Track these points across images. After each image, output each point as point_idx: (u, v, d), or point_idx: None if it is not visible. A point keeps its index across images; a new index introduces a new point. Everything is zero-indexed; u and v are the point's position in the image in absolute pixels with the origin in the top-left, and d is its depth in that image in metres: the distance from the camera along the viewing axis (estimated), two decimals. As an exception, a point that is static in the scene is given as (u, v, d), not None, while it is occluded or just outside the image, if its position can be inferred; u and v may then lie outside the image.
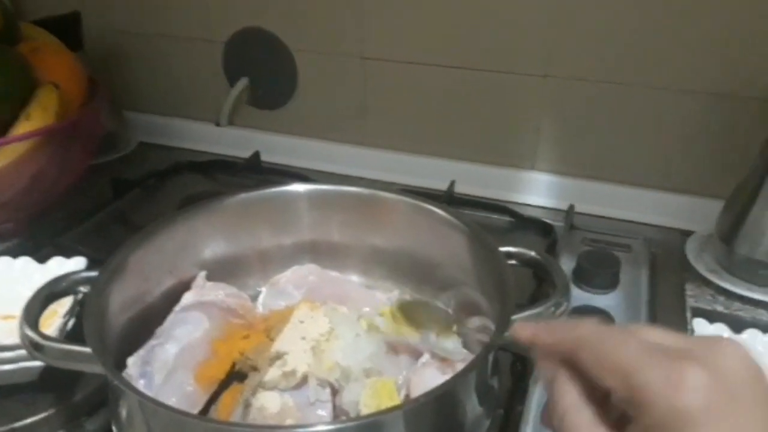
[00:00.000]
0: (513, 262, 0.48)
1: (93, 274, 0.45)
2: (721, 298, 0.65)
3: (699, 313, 0.62)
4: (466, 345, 0.47)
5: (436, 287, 0.55)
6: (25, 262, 0.57)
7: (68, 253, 0.61)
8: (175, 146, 0.94)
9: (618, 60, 0.71)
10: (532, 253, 0.48)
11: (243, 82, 0.90)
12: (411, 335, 0.47)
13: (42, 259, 0.59)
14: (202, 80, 0.91)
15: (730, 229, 0.65)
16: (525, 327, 0.34)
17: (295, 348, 0.43)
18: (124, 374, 0.46)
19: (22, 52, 0.67)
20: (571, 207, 0.75)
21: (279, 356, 0.44)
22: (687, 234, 0.72)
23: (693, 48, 0.68)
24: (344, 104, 0.86)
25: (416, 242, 0.54)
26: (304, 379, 0.43)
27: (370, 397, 0.42)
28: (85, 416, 0.51)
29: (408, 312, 0.48)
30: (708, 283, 0.66)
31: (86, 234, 0.74)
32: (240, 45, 0.88)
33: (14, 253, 0.61)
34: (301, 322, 0.45)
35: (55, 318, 0.51)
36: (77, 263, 0.56)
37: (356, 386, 0.43)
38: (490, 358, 0.42)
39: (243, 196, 0.55)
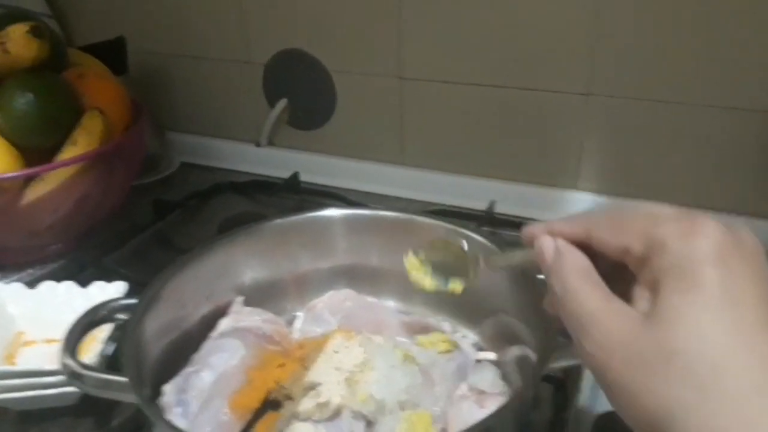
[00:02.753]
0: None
1: (131, 302, 0.46)
2: None
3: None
4: (504, 376, 0.46)
5: (475, 314, 0.53)
6: (68, 287, 0.58)
7: (110, 276, 0.62)
8: (217, 167, 0.95)
9: (662, 78, 0.69)
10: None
11: (282, 103, 0.90)
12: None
13: (86, 280, 0.60)
14: (243, 101, 0.92)
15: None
16: (535, 227, 0.34)
17: (329, 379, 0.43)
18: (160, 401, 0.46)
19: (68, 79, 0.69)
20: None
21: (313, 387, 0.43)
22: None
23: (740, 65, 0.65)
24: (382, 124, 0.85)
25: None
26: (338, 411, 0.42)
27: (406, 431, 0.41)
28: (123, 442, 0.51)
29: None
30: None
31: (128, 255, 0.75)
32: (279, 66, 0.88)
33: (59, 275, 0.63)
34: (336, 352, 0.45)
35: (94, 343, 0.51)
36: (118, 288, 0.57)
37: (391, 419, 0.42)
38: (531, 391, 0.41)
39: (278, 221, 0.55)
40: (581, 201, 0.77)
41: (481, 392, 0.43)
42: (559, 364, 0.40)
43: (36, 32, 0.63)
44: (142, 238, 0.79)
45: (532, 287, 0.45)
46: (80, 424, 0.52)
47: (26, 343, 0.56)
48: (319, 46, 0.84)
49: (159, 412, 0.39)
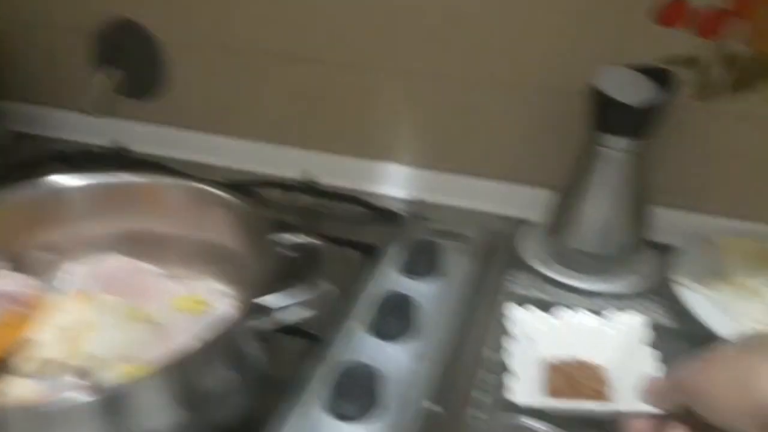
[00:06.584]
0: (290, 250, 0.49)
1: None
2: (544, 286, 0.67)
3: (517, 298, 0.64)
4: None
5: (236, 279, 0.55)
6: None
7: None
8: (48, 136, 0.94)
9: (462, 55, 0.72)
10: (308, 240, 0.49)
11: (113, 72, 0.89)
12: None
13: None
14: (73, 69, 0.91)
15: (556, 220, 0.67)
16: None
17: (51, 337, 0.44)
18: None
19: None
20: (417, 197, 0.76)
21: (37, 344, 0.44)
22: (526, 224, 0.74)
23: (528, 44, 0.69)
24: (211, 95, 0.86)
25: (215, 232, 0.54)
26: (59, 367, 0.43)
27: (123, 384, 0.43)
28: None
29: None
30: (533, 271, 0.68)
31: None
32: (110, 35, 0.87)
33: None
34: (63, 311, 0.46)
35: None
36: None
37: (111, 375, 0.44)
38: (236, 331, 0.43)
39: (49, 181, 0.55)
40: (393, 172, 0.81)
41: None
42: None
43: None
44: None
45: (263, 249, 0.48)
46: None
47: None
48: (150, 15, 0.84)
49: None
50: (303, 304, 0.45)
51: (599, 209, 0.62)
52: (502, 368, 0.52)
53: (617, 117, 0.58)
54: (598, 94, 0.58)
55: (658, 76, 0.58)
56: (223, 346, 0.42)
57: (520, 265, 0.69)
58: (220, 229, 0.53)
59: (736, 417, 0.39)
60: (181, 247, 0.57)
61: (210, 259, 0.55)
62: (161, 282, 0.55)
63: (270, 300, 0.44)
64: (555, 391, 0.52)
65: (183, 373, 0.40)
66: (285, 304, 0.44)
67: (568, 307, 0.60)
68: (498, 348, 0.57)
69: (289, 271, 0.59)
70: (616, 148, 0.60)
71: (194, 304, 0.51)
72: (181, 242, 0.57)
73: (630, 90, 0.56)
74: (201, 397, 0.42)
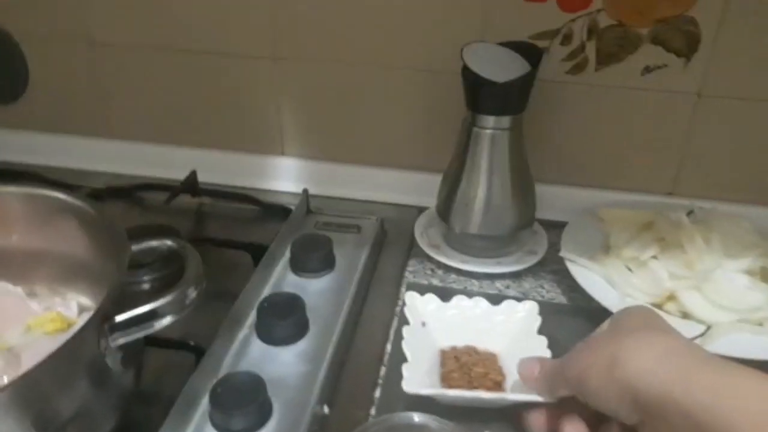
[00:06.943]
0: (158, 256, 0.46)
1: None
2: (439, 272, 0.66)
3: (414, 287, 0.62)
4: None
5: (100, 293, 0.51)
6: None
7: None
8: None
9: (346, 40, 0.70)
10: (169, 243, 0.45)
11: (-30, 75, 0.82)
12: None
13: None
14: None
15: (444, 205, 0.66)
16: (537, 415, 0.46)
17: None
18: None
19: None
20: (305, 191, 0.73)
21: None
22: (424, 211, 0.73)
23: (404, 24, 0.67)
24: (81, 94, 0.80)
25: (70, 244, 0.49)
26: None
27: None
28: None
29: None
30: (429, 258, 0.66)
31: None
32: (-39, 34, 0.79)
33: None
34: None
35: None
36: None
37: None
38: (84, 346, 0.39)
39: None
40: (283, 167, 0.78)
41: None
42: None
43: None
44: None
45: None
46: None
47: None
48: (3, 11, 0.77)
49: None
50: (165, 313, 0.41)
51: (482, 191, 0.62)
52: (400, 361, 0.50)
53: (486, 95, 0.57)
54: (467, 73, 0.57)
55: (529, 51, 0.57)
56: (70, 362, 0.38)
57: (416, 252, 0.67)
58: (75, 241, 0.48)
59: (610, 398, 0.39)
60: (40, 263, 0.51)
61: (71, 273, 0.50)
62: (17, 302, 0.50)
63: (129, 311, 0.40)
64: (448, 380, 0.51)
65: (26, 394, 0.36)
66: (144, 314, 0.41)
67: (465, 293, 0.59)
68: (396, 340, 0.55)
69: (157, 278, 0.56)
70: (489, 126, 0.59)
71: (55, 324, 0.47)
72: (39, 257, 0.51)
73: (497, 67, 0.55)
74: (57, 417, 0.38)
